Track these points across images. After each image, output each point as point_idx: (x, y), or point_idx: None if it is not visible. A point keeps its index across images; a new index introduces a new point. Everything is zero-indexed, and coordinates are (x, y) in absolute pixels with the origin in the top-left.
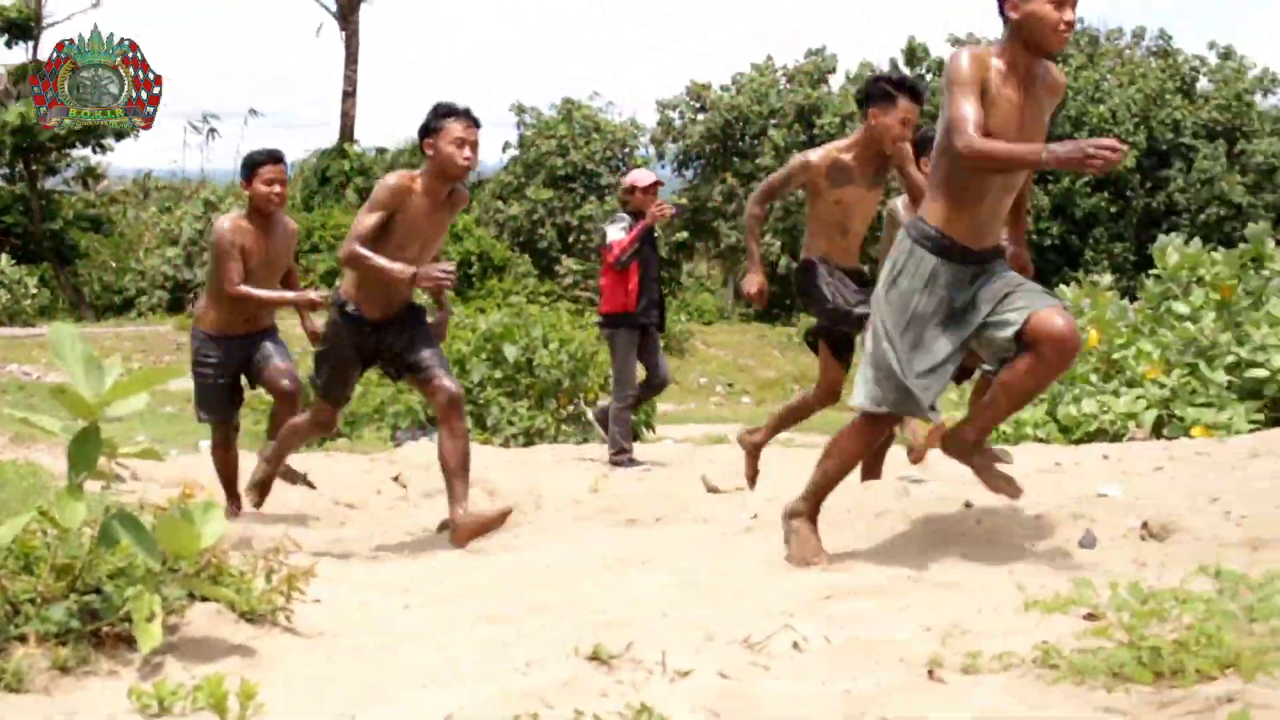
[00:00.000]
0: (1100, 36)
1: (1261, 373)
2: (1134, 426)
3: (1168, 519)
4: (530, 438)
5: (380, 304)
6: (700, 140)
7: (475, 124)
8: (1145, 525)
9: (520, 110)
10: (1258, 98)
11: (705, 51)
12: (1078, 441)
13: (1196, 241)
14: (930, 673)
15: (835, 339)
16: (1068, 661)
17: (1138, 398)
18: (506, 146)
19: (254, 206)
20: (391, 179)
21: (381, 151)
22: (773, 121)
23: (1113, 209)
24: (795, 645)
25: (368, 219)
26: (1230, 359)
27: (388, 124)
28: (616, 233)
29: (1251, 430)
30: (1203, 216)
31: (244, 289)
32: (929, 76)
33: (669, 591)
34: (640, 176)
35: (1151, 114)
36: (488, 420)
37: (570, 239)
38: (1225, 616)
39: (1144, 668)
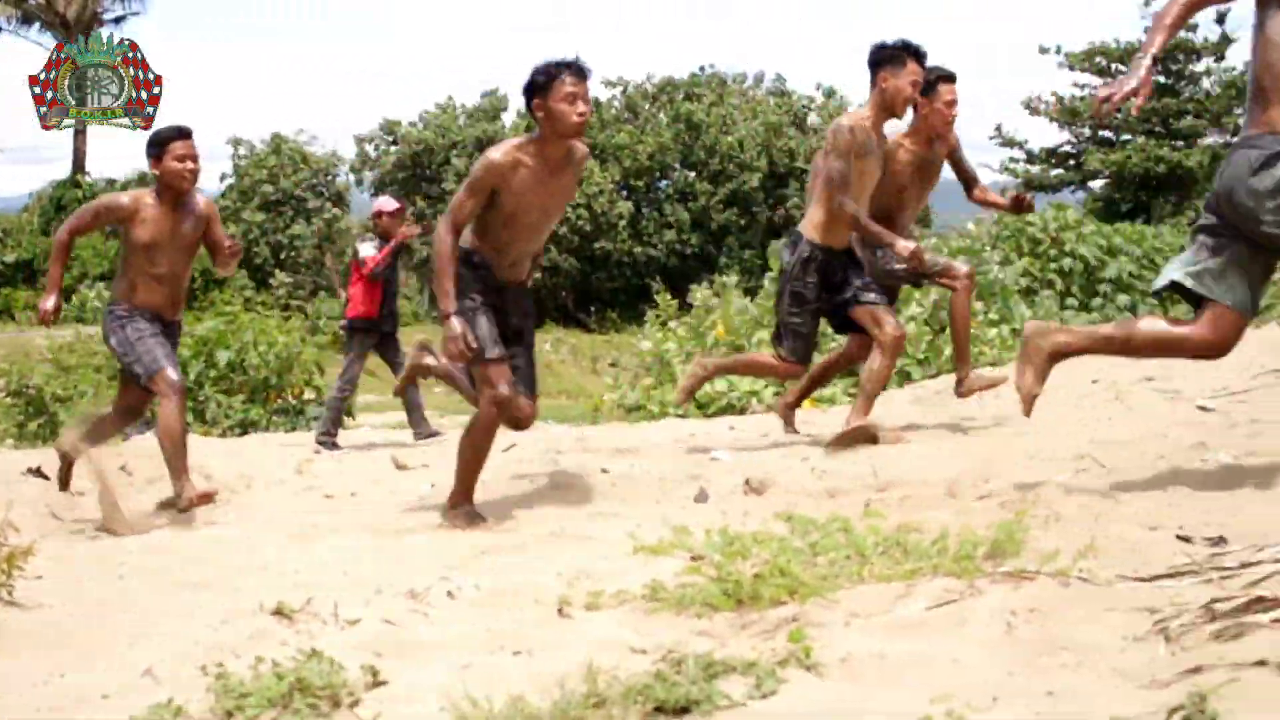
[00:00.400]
0: (728, 79)
1: None
2: (755, 402)
3: (766, 476)
4: (245, 428)
5: (506, 269)
6: (393, 169)
7: (583, 75)
8: (748, 482)
9: (236, 143)
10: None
11: (396, 93)
12: (711, 416)
13: None
14: (559, 610)
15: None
16: (670, 595)
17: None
18: (224, 177)
19: (165, 184)
20: (495, 154)
21: (111, 182)
22: (454, 152)
23: (742, 222)
24: (450, 594)
25: (466, 203)
26: (833, 344)
27: (115, 156)
28: (369, 249)
29: (848, 402)
30: None
31: (64, 237)
32: None
33: (352, 554)
34: (386, 203)
35: (772, 143)
36: (206, 414)
37: (281, 255)
38: (794, 553)
39: (728, 597)
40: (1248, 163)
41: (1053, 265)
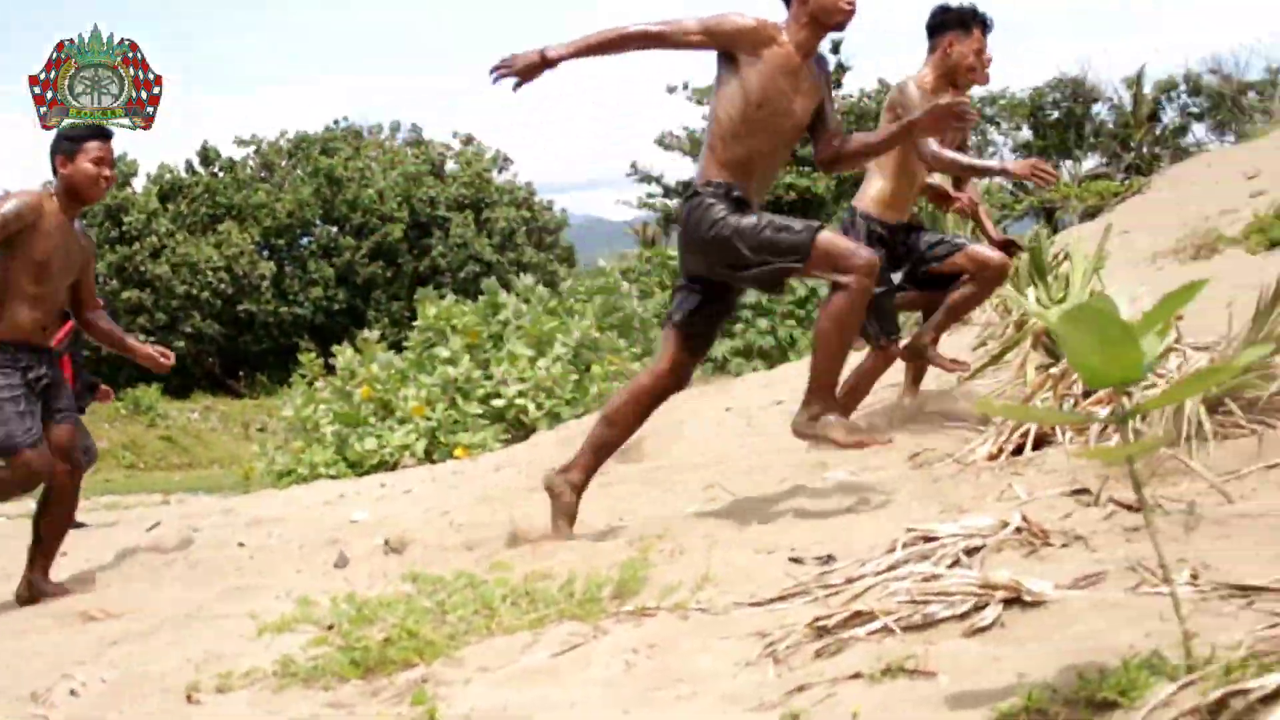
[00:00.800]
0: (364, 131)
1: (502, 402)
2: (408, 456)
3: (405, 534)
4: None
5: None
6: None
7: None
8: (387, 542)
9: None
10: (495, 174)
11: None
12: (365, 474)
13: (450, 296)
14: (189, 697)
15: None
16: (300, 669)
17: (409, 431)
18: None
19: (72, 189)
20: (745, 19)
21: None
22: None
23: (388, 274)
24: (73, 692)
25: (693, 36)
26: (481, 391)
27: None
28: None
29: (500, 448)
30: (462, 274)
31: None
32: (221, 174)
33: None
34: None
35: (412, 193)
36: None
37: None
38: (423, 613)
39: (356, 665)
40: None
41: None
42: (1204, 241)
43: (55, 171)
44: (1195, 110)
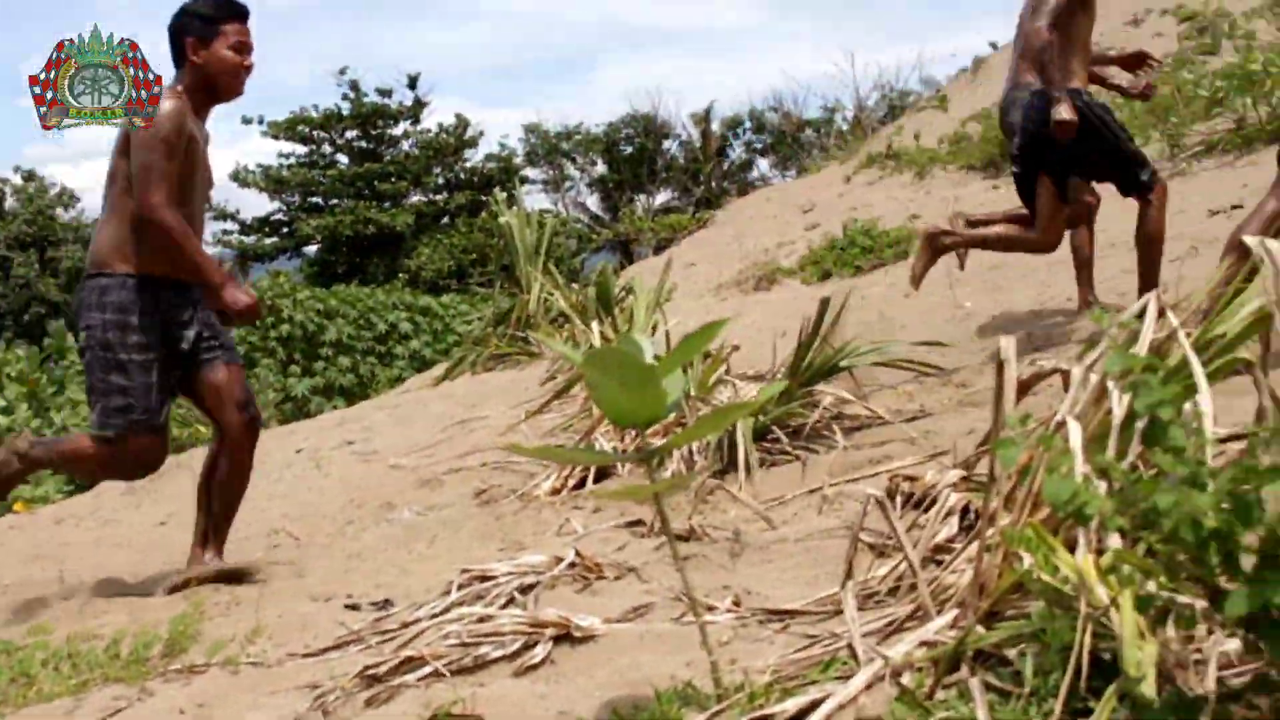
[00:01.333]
0: None
1: None
2: None
3: None
4: None
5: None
6: None
7: None
8: None
9: None
10: (60, 212)
11: None
12: None
13: (0, 342)
14: None
15: (1064, 179)
16: None
17: None
18: None
19: (206, 82)
20: None
21: None
22: None
23: None
24: None
25: None
26: None
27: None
28: None
29: (63, 499)
30: (26, 317)
31: (170, 216)
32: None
33: None
34: None
35: None
36: None
37: None
38: None
39: None
40: None
41: (273, 333)
42: (764, 273)
43: (182, 59)
44: (759, 146)
